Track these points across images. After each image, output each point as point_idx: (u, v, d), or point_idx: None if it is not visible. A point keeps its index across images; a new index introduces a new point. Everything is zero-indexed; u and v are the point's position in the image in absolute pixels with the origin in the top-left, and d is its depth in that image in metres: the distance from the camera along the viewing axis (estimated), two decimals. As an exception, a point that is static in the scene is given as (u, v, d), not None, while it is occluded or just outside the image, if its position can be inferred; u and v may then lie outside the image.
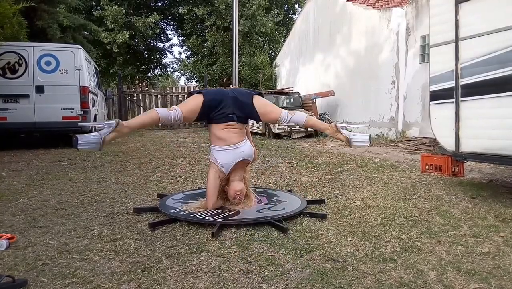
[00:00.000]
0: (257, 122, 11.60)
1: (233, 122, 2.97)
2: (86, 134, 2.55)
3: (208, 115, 2.97)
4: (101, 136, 2.55)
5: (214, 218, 2.74)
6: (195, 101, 2.94)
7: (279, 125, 3.01)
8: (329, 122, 10.29)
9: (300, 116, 3.07)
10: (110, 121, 2.63)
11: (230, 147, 2.95)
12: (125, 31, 17.83)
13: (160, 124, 2.86)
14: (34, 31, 9.32)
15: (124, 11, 18.31)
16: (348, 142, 2.98)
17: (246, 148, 3.02)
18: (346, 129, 3.05)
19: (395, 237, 2.49)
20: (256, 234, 2.55)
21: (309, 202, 3.28)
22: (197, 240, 2.44)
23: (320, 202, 3.38)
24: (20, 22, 8.01)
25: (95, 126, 2.57)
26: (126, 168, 5.32)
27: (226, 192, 3.07)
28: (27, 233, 2.56)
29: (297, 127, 10.77)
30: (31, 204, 3.33)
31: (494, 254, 2.23)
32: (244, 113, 3.02)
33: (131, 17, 18.75)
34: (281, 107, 11.47)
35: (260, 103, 3.06)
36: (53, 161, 5.92)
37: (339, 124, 3.05)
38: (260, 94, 3.17)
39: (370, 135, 3.06)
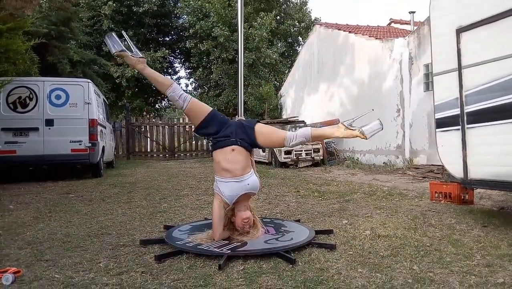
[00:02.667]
0: (263, 151, 11.67)
1: (237, 145, 2.96)
2: (119, 41, 3.04)
3: (209, 133, 3.05)
4: (123, 49, 3.02)
5: (221, 250, 2.71)
6: (204, 105, 3.13)
7: (290, 146, 2.99)
8: (336, 151, 10.14)
9: (305, 130, 3.07)
10: (139, 53, 3.06)
11: (235, 179, 2.93)
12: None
13: (167, 94, 2.92)
14: (45, 66, 9.62)
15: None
16: (363, 134, 2.95)
17: (251, 180, 2.99)
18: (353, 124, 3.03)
19: (407, 268, 2.43)
20: (264, 265, 2.51)
21: (317, 232, 3.23)
22: (204, 272, 2.40)
23: (328, 232, 3.33)
24: (32, 58, 8.29)
25: (131, 44, 3.09)
26: (133, 199, 5.32)
27: (233, 223, 3.04)
28: (33, 266, 2.54)
29: (304, 155, 10.78)
30: (38, 236, 3.32)
31: (509, 284, 2.16)
32: (247, 137, 3.02)
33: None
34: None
35: (263, 127, 3.10)
36: (60, 193, 5.94)
37: (346, 122, 3.03)
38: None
39: (379, 119, 3.01)
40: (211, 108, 3.11)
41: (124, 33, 3.37)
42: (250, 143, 3.06)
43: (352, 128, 2.98)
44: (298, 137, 3.03)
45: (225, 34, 17.62)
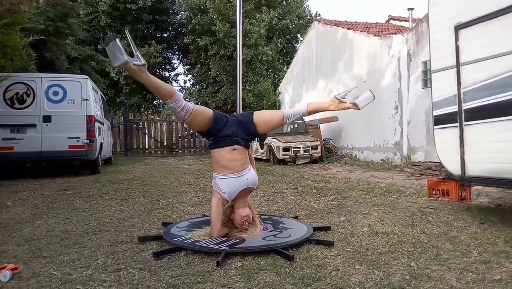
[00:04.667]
0: (261, 148, 11.65)
1: (239, 145, 2.95)
2: (121, 48, 2.59)
3: (214, 134, 2.96)
4: (126, 60, 2.59)
5: (220, 246, 2.71)
6: (207, 111, 2.99)
7: (288, 123, 3.00)
8: (334, 147, 10.16)
9: (301, 106, 3.12)
10: (141, 58, 2.68)
11: (234, 175, 2.93)
12: None
13: (168, 104, 2.83)
14: (43, 62, 9.57)
15: (125, 42, 18.80)
16: (356, 106, 3.00)
17: (250, 175, 3.00)
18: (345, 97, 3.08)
19: (404, 265, 2.44)
20: (262, 262, 2.51)
21: (315, 229, 3.24)
22: (202, 269, 2.40)
23: (326, 228, 3.34)
24: (29, 54, 8.25)
25: (133, 48, 2.65)
26: (131, 196, 5.31)
27: (232, 220, 3.04)
28: (31, 263, 2.54)
29: (302, 152, 10.78)
30: (36, 233, 3.32)
31: (506, 281, 2.17)
32: (248, 133, 3.02)
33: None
34: (285, 133, 11.44)
35: (259, 114, 3.10)
36: (58, 190, 5.92)
37: (339, 95, 3.08)
38: None
39: (370, 90, 3.05)
40: (211, 112, 3.00)
41: (127, 32, 3.10)
42: (252, 137, 3.09)
43: (345, 101, 3.04)
44: (295, 114, 3.10)
45: (224, 30, 17.57)
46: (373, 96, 3.05)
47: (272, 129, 3.32)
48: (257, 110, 16.08)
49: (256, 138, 11.98)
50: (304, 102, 3.16)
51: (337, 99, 3.07)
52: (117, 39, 2.59)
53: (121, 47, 2.58)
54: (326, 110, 3.24)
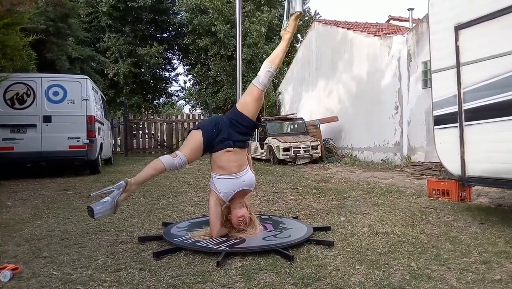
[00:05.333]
0: (256, 139, 11.63)
1: (231, 148, 2.93)
2: (99, 202, 2.57)
3: (211, 148, 2.95)
4: (114, 200, 2.59)
5: (220, 246, 2.71)
6: (196, 141, 2.92)
7: (263, 85, 2.81)
8: (334, 148, 10.10)
9: (263, 65, 3.02)
10: (118, 183, 2.67)
11: (231, 176, 2.93)
12: (128, 60, 18.35)
13: (167, 170, 2.88)
14: (43, 62, 9.58)
15: (123, 41, 18.89)
16: (298, 15, 3.06)
17: (247, 177, 2.98)
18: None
19: (404, 265, 2.43)
20: (262, 262, 2.51)
21: (315, 229, 3.23)
22: (202, 269, 2.40)
23: (326, 228, 3.34)
24: (29, 54, 8.24)
25: (104, 192, 2.63)
26: (131, 196, 5.29)
27: (230, 220, 3.04)
28: (31, 263, 2.54)
29: (302, 152, 10.78)
30: (36, 233, 3.32)
31: (506, 281, 2.17)
32: (242, 130, 2.97)
33: (136, 48, 19.27)
34: (285, 133, 11.43)
35: (241, 102, 3.05)
36: (58, 190, 5.92)
37: (283, 28, 3.14)
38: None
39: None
40: (200, 138, 2.91)
41: (92, 194, 3.08)
42: (249, 130, 3.05)
43: (287, 25, 3.09)
44: (262, 75, 2.97)
45: (224, 30, 17.57)
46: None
47: (258, 106, 3.05)
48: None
49: (255, 139, 11.99)
50: (265, 62, 3.04)
51: (285, 30, 3.12)
52: (92, 208, 2.56)
53: (101, 205, 2.59)
54: (287, 43, 3.11)
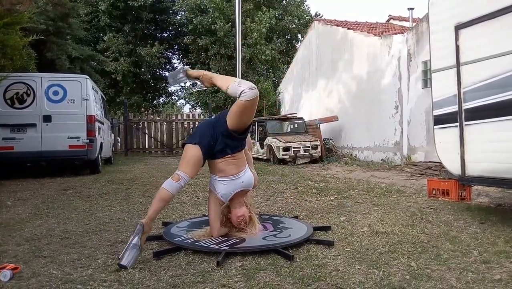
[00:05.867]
0: (256, 139, 11.63)
1: (228, 155, 2.91)
2: (127, 255, 2.48)
3: (210, 158, 2.93)
4: (139, 247, 2.54)
5: (220, 246, 2.71)
6: (196, 158, 2.81)
7: (241, 97, 2.73)
8: (334, 147, 10.12)
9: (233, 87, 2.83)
10: (136, 229, 2.62)
11: (229, 178, 2.92)
12: (128, 59, 18.35)
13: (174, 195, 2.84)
14: (43, 62, 9.57)
15: (124, 40, 18.88)
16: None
17: (245, 178, 2.97)
18: None
19: (404, 264, 2.44)
20: (262, 262, 2.51)
21: (315, 229, 3.24)
22: (202, 269, 2.40)
23: (326, 228, 3.34)
24: (29, 53, 8.24)
25: (129, 244, 2.54)
26: (131, 195, 5.31)
27: (230, 220, 3.04)
28: (31, 263, 2.54)
29: (302, 152, 10.78)
30: (36, 233, 3.32)
31: (506, 280, 2.17)
32: (235, 138, 2.88)
33: (136, 48, 19.26)
34: (285, 133, 11.42)
35: (230, 117, 2.84)
36: (58, 190, 5.93)
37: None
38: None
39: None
40: (199, 153, 2.81)
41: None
42: (241, 135, 2.93)
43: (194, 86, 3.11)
44: (234, 87, 2.78)
45: (225, 29, 17.56)
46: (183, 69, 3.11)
47: (250, 117, 2.89)
48: (257, 109, 16.05)
49: (256, 138, 11.98)
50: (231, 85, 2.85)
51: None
52: (126, 262, 2.45)
53: (131, 258, 2.47)
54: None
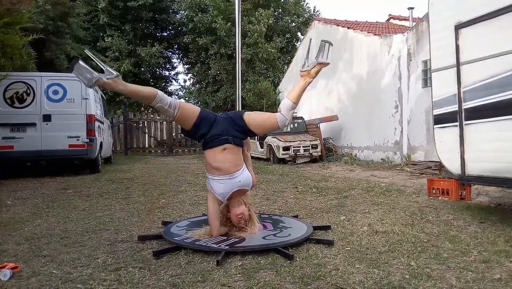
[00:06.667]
0: (261, 147, 11.65)
1: (229, 144, 2.89)
2: (87, 68, 2.60)
3: (202, 134, 2.90)
4: (97, 77, 2.61)
5: (219, 245, 2.71)
6: (194, 107, 3.04)
7: (286, 126, 2.89)
8: (334, 147, 10.09)
9: (286, 103, 2.97)
10: (112, 71, 2.67)
11: (226, 176, 2.90)
12: (127, 60, 18.32)
13: (155, 106, 2.78)
14: (43, 61, 9.56)
15: (126, 41, 18.87)
16: (323, 64, 3.01)
17: (243, 177, 2.95)
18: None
19: (404, 264, 2.44)
20: (261, 261, 2.51)
21: (315, 228, 3.24)
22: (202, 268, 2.40)
23: (326, 227, 3.34)
24: (29, 53, 8.23)
25: (99, 63, 2.62)
26: (131, 195, 5.31)
27: (230, 219, 3.04)
28: (31, 262, 2.54)
29: (302, 151, 10.78)
30: (36, 232, 3.32)
31: (506, 280, 2.17)
32: (240, 130, 2.94)
33: (136, 48, 19.25)
34: (285, 132, 11.35)
35: (252, 115, 3.00)
36: (58, 189, 5.92)
37: (303, 69, 3.04)
38: None
39: (323, 40, 2.95)
40: (199, 108, 2.98)
41: (87, 51, 2.93)
42: (243, 133, 3.00)
43: (309, 69, 3.01)
44: (288, 116, 2.96)
45: (225, 28, 17.56)
46: (329, 43, 3.00)
47: (265, 132, 3.17)
48: (257, 109, 15.99)
49: (255, 138, 11.98)
50: (285, 98, 3.04)
51: (305, 71, 3.02)
52: (80, 61, 2.60)
53: (87, 67, 2.60)
54: (306, 86, 3.06)
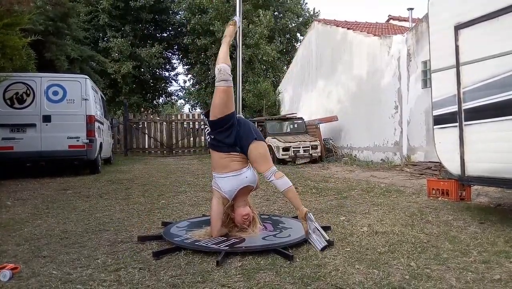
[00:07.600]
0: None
1: (236, 153, 2.98)
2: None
3: (219, 127, 2.97)
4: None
5: (219, 246, 2.71)
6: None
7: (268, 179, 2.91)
8: (334, 147, 10.02)
9: (283, 183, 2.98)
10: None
11: (233, 173, 2.95)
12: (129, 62, 18.31)
13: (221, 67, 3.48)
14: (43, 62, 9.55)
15: (129, 42, 18.85)
16: (306, 233, 2.93)
17: (249, 173, 3.01)
18: (314, 227, 2.92)
19: (404, 264, 2.44)
20: (261, 262, 2.51)
21: (315, 229, 3.23)
22: (202, 268, 2.40)
23: (326, 228, 3.34)
24: (29, 54, 8.22)
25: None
26: (131, 195, 5.31)
27: (233, 219, 3.04)
28: (30, 263, 2.54)
29: (302, 152, 10.79)
30: (36, 233, 3.32)
31: (506, 280, 2.17)
32: (244, 146, 2.99)
33: (136, 48, 19.25)
34: (285, 133, 11.36)
35: (255, 146, 2.98)
36: (58, 190, 5.92)
37: (310, 215, 2.98)
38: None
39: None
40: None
41: None
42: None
43: (306, 222, 2.96)
44: (272, 182, 3.00)
45: (223, 29, 17.57)
46: (322, 248, 2.74)
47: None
48: (256, 110, 15.90)
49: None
50: (289, 183, 3.04)
51: (305, 215, 2.99)
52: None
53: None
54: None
